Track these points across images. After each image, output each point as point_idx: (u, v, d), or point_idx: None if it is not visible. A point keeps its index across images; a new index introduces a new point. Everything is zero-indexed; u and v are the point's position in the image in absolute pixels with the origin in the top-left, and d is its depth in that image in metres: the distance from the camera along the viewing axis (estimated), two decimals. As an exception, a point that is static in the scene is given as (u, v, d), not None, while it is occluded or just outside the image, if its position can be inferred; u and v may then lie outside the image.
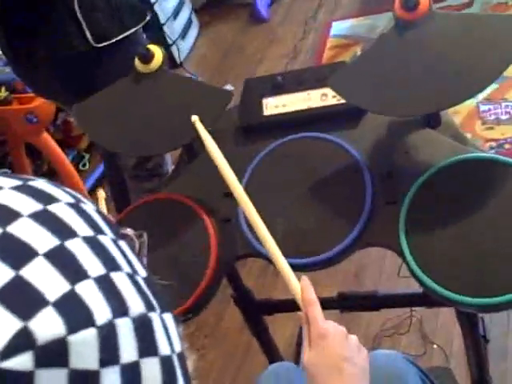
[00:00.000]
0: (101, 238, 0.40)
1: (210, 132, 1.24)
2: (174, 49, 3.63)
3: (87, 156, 3.14)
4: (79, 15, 1.67)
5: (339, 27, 3.48)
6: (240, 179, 1.15)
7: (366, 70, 1.02)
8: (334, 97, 1.14)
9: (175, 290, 1.11)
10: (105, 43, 1.72)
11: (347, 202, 1.07)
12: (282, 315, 1.70)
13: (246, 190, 1.13)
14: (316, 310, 0.82)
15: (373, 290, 1.36)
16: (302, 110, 1.17)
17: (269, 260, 1.09)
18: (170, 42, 3.60)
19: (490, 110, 2.53)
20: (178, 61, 3.66)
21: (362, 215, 1.04)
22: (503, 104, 2.53)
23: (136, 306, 0.39)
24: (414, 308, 1.76)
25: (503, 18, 0.97)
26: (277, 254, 0.93)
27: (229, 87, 3.28)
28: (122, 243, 0.43)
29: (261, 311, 1.52)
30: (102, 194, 1.05)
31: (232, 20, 3.92)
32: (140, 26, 1.82)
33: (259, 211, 1.11)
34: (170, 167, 1.94)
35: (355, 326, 1.84)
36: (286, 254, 1.07)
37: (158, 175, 1.90)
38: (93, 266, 0.38)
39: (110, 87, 1.20)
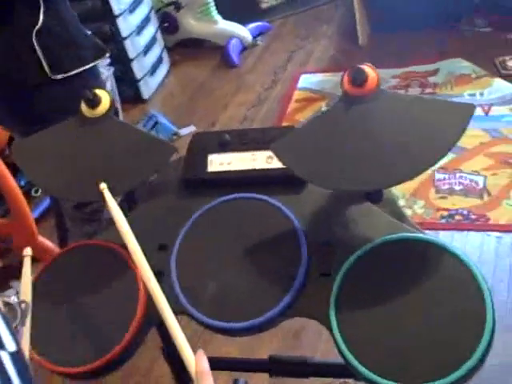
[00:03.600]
0: None
1: (152, 182, 1.23)
2: (141, 84, 3.62)
3: (40, 183, 3.09)
4: (37, 46, 1.65)
5: (307, 80, 3.52)
6: (176, 235, 1.13)
7: (310, 140, 1.02)
8: (280, 161, 1.13)
9: (99, 340, 1.08)
10: (62, 75, 1.70)
11: (281, 268, 1.05)
12: (213, 372, 1.66)
13: (180, 247, 1.12)
14: (209, 382, 0.80)
15: (303, 356, 1.34)
16: (246, 171, 1.16)
17: (197, 321, 1.07)
18: (137, 77, 3.59)
19: (444, 179, 2.56)
20: (145, 97, 3.65)
21: (293, 284, 1.02)
22: (458, 175, 2.56)
23: None
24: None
25: (448, 104, 0.98)
26: (173, 323, 0.89)
27: (191, 128, 3.28)
28: None
29: (189, 367, 1.48)
30: (28, 252, 1.01)
31: (203, 62, 3.94)
32: (98, 61, 1.80)
33: (191, 271, 1.09)
34: None
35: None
36: (214, 317, 1.05)
37: (98, 220, 1.87)
38: None
39: (53, 127, 1.17)
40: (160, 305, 0.90)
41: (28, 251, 1.01)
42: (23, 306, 0.62)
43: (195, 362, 0.83)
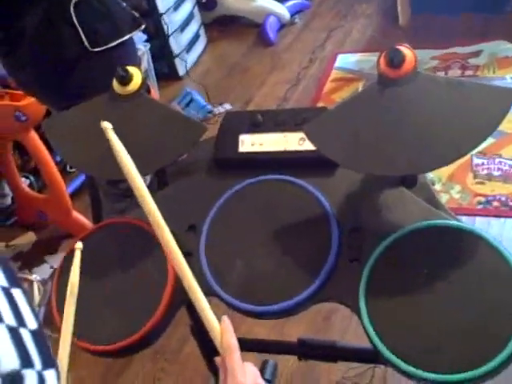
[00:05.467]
0: None
1: (183, 161, 1.22)
2: (177, 61, 3.61)
3: (76, 158, 3.11)
4: (75, 19, 1.65)
5: (345, 60, 3.47)
6: (206, 215, 1.12)
7: (343, 123, 0.99)
8: (312, 142, 1.11)
9: (129, 318, 1.08)
10: (100, 48, 1.70)
11: (311, 252, 1.04)
12: (243, 353, 1.66)
13: (210, 228, 1.10)
14: (235, 358, 0.77)
15: (332, 340, 1.32)
16: (278, 152, 1.14)
17: (227, 304, 1.06)
18: (174, 53, 3.58)
19: (483, 164, 2.51)
20: (181, 73, 3.64)
21: (323, 269, 1.00)
22: (497, 160, 2.50)
23: (8, 362, 0.37)
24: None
25: (488, 88, 0.94)
26: (196, 290, 0.83)
27: (226, 106, 3.27)
28: (16, 292, 0.41)
29: (217, 347, 1.48)
30: (79, 245, 0.99)
31: (240, 39, 3.91)
32: (135, 32, 1.80)
33: (220, 253, 1.08)
34: None
35: (316, 371, 1.80)
36: (242, 300, 1.04)
37: (131, 196, 1.86)
38: None
39: (84, 104, 1.17)
40: (186, 278, 0.84)
41: (79, 245, 0.98)
42: (46, 286, 0.63)
43: (221, 334, 0.80)
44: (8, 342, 0.38)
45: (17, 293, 0.41)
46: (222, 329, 0.80)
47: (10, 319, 0.39)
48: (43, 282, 0.68)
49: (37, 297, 0.71)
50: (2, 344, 0.37)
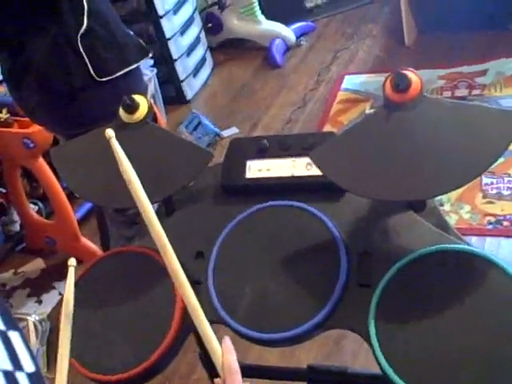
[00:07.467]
0: None
1: (190, 187, 1.21)
2: (184, 85, 3.63)
3: (84, 184, 3.11)
4: (81, 49, 1.66)
5: (351, 81, 3.47)
6: (213, 242, 1.11)
7: (350, 148, 0.99)
8: (319, 167, 1.10)
9: (137, 347, 1.07)
10: (107, 78, 1.71)
11: (319, 279, 1.03)
12: (254, 380, 1.64)
13: (217, 255, 1.10)
14: (236, 379, 0.74)
15: (343, 366, 1.31)
16: (285, 177, 1.13)
17: (235, 332, 1.05)
18: (181, 78, 3.60)
19: (492, 183, 2.49)
20: (188, 97, 3.66)
21: (332, 296, 0.99)
22: (506, 179, 2.49)
23: None
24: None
25: (494, 111, 0.94)
26: (199, 314, 0.81)
27: (233, 130, 3.27)
28: (13, 335, 0.41)
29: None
30: (72, 262, 0.97)
31: (246, 62, 3.92)
32: (141, 62, 1.81)
33: (228, 280, 1.08)
34: None
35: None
36: (250, 328, 1.03)
37: (139, 223, 1.86)
38: None
39: (91, 133, 1.17)
40: (190, 303, 0.82)
41: (73, 261, 0.96)
42: (44, 324, 0.62)
43: (222, 354, 0.77)
44: None
45: (14, 336, 0.41)
46: (223, 349, 0.77)
47: (6, 364, 0.39)
48: (42, 321, 0.67)
49: (33, 337, 0.70)
50: None
